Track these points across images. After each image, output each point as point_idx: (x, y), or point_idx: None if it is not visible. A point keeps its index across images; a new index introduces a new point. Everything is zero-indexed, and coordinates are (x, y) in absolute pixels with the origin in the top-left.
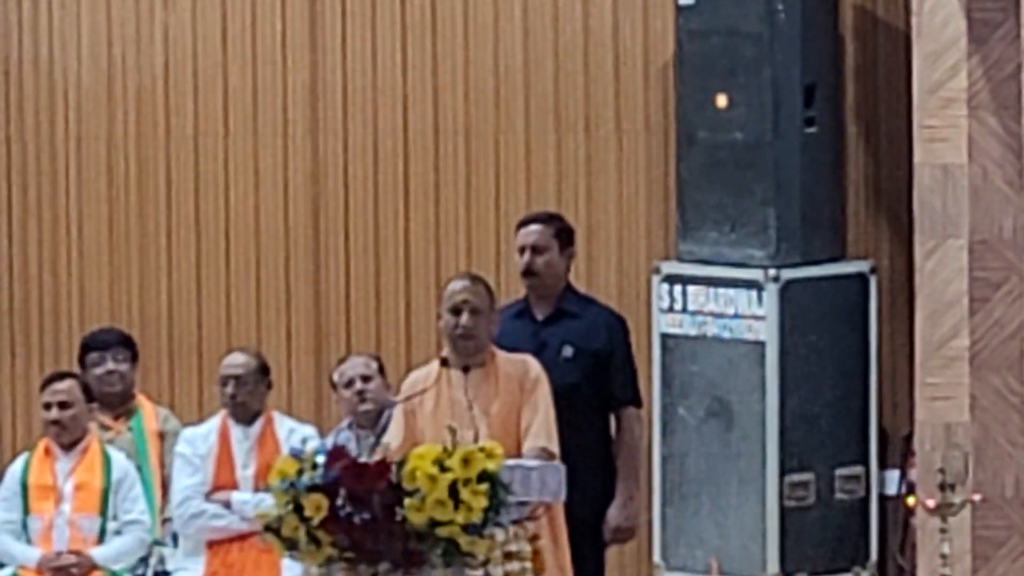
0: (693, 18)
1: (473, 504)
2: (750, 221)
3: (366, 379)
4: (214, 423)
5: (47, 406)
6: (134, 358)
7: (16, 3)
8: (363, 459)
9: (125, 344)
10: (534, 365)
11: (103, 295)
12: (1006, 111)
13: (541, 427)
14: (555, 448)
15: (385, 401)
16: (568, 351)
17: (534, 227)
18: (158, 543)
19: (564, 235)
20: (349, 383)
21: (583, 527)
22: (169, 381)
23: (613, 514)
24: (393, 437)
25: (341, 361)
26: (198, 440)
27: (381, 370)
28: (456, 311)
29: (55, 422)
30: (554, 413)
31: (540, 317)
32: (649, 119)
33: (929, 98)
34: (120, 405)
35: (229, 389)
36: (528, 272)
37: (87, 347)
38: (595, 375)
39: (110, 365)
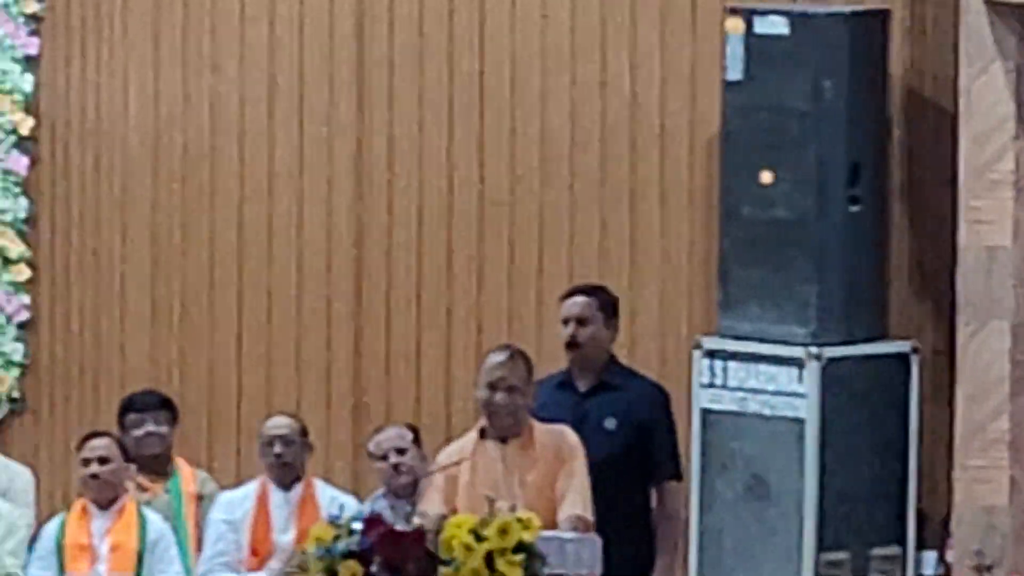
0: (740, 94)
1: (508, 574)
2: (792, 298)
3: (401, 451)
4: (252, 487)
5: (86, 461)
6: (173, 421)
7: (64, 65)
8: (399, 527)
9: (165, 406)
10: (570, 435)
11: (144, 356)
12: None
13: (577, 495)
14: (590, 516)
15: (421, 472)
16: (610, 423)
17: (578, 299)
18: None
19: (608, 307)
20: (384, 455)
21: None
22: (208, 444)
23: None
24: (432, 505)
25: (377, 431)
26: (234, 504)
27: (417, 440)
28: (493, 387)
29: (94, 476)
30: (589, 482)
31: (583, 389)
32: (693, 194)
33: (975, 179)
34: (158, 467)
35: (276, 449)
36: (572, 344)
37: (126, 408)
38: (637, 448)
39: (149, 427)
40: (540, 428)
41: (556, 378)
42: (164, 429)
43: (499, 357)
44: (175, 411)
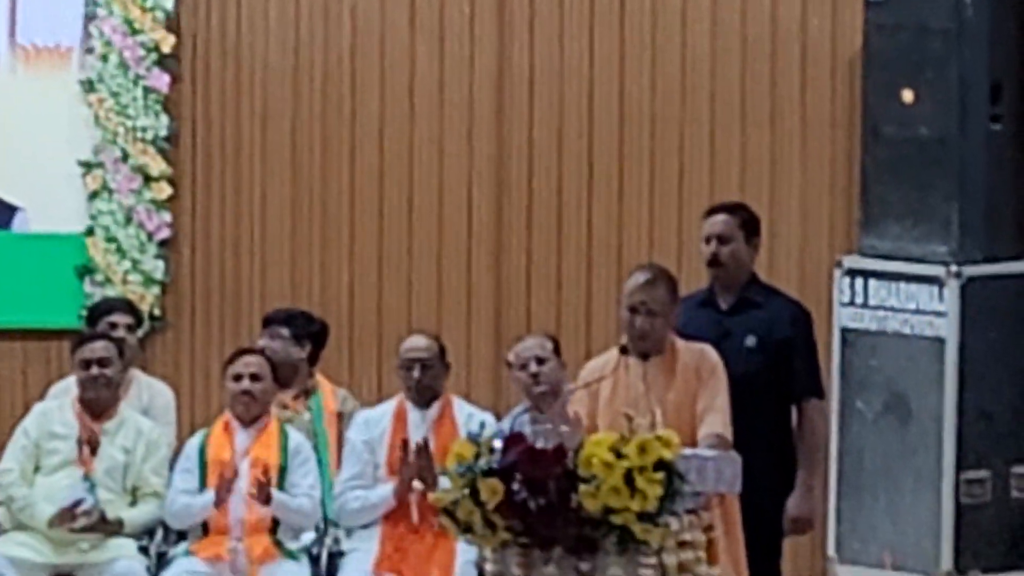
0: (882, 13)
1: (648, 492)
2: (933, 217)
3: (541, 361)
4: (390, 406)
5: (237, 377)
6: (297, 337)
7: None
8: (539, 445)
9: (285, 322)
10: (711, 354)
11: (284, 274)
12: None
13: (717, 414)
14: (729, 435)
15: (560, 383)
16: (751, 341)
17: (720, 217)
18: (334, 524)
19: (750, 225)
20: (524, 365)
21: (761, 517)
22: (349, 362)
23: (793, 504)
24: (580, 405)
25: (517, 341)
26: (371, 423)
27: (556, 351)
28: (633, 310)
29: (246, 392)
30: (729, 401)
31: (724, 307)
32: (835, 113)
33: None
34: (290, 383)
35: (415, 373)
36: (713, 262)
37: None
38: (778, 366)
39: (261, 341)
40: (683, 347)
41: (698, 296)
42: (277, 344)
43: (640, 279)
44: (302, 327)
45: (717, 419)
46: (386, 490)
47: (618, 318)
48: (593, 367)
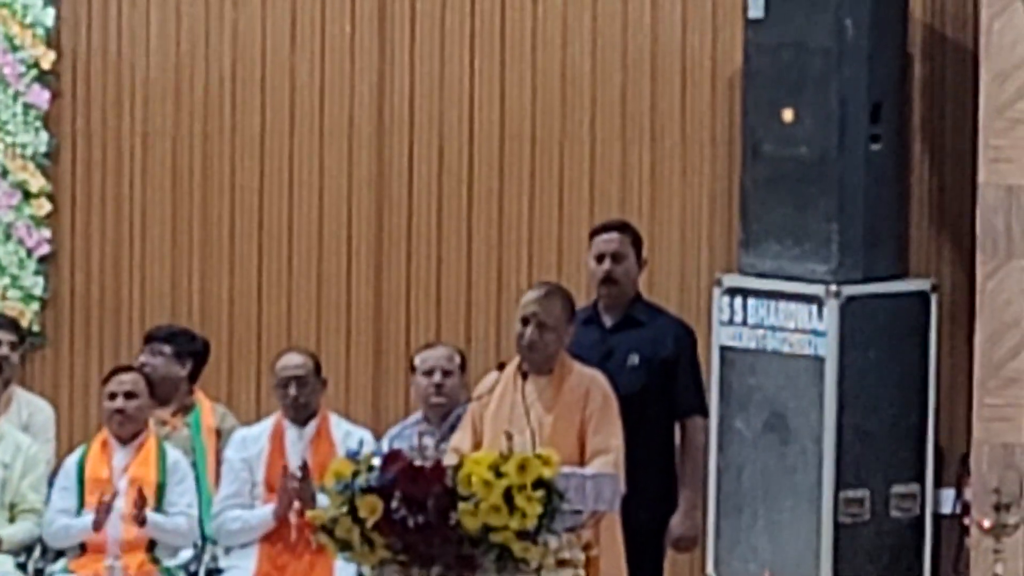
0: (762, 31)
1: (528, 511)
2: (813, 236)
3: (446, 373)
4: (267, 424)
5: (112, 396)
6: (180, 355)
7: None
8: (418, 462)
9: (167, 340)
10: (603, 384)
11: (165, 291)
12: None
13: (609, 455)
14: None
15: (457, 401)
16: (635, 359)
17: (613, 235)
18: (212, 541)
19: (638, 243)
20: (429, 371)
21: (644, 535)
22: (228, 379)
23: (676, 522)
24: (462, 441)
25: (427, 347)
26: (249, 442)
27: (463, 366)
28: (525, 322)
29: (119, 411)
30: (622, 443)
31: (608, 324)
32: (715, 131)
33: (995, 118)
34: (170, 400)
35: (292, 391)
36: (608, 280)
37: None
38: (661, 384)
39: (142, 358)
40: (576, 368)
41: (582, 314)
42: (158, 361)
43: (535, 293)
44: (184, 345)
45: (609, 460)
46: (266, 512)
47: (497, 335)
48: (487, 382)
